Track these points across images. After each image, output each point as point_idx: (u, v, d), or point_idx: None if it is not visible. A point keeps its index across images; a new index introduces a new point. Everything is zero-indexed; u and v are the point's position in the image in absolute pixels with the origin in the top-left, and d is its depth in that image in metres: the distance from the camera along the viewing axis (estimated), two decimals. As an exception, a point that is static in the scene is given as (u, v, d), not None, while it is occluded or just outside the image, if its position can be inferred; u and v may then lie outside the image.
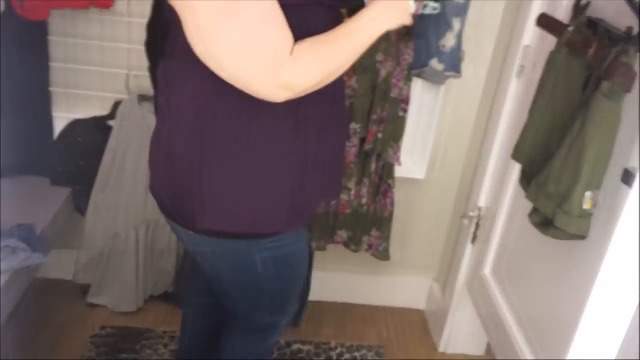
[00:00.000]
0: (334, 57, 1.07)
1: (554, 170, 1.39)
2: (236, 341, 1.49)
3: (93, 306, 2.23)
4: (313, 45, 1.04)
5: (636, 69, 1.22)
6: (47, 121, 2.05)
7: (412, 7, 1.16)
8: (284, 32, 1.01)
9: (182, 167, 1.15)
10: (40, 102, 2.01)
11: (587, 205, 1.33)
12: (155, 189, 1.27)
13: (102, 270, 2.17)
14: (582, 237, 1.38)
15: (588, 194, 1.31)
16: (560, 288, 1.54)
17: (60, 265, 2.29)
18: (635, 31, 1.23)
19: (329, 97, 1.20)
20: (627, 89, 1.22)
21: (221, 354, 1.52)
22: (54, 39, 1.95)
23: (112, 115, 2.04)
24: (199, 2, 0.96)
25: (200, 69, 1.07)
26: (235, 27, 0.97)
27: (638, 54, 1.21)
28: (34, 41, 1.92)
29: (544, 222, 1.47)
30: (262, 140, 1.13)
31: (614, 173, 1.31)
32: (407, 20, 1.16)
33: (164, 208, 1.28)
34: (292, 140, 1.15)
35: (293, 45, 1.02)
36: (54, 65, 2.00)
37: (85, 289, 2.24)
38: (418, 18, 1.79)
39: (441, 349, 2.30)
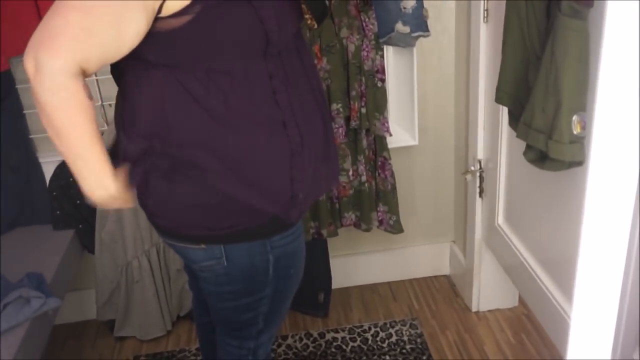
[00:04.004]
0: (58, 123, 1.00)
1: (537, 102, 1.36)
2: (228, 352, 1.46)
3: (122, 339, 2.24)
4: (76, 105, 0.99)
5: (594, -20, 1.19)
6: (36, 168, 2.05)
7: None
8: (86, 32, 0.97)
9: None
10: (24, 151, 2.01)
11: (577, 130, 1.30)
12: (154, 215, 1.24)
13: (122, 302, 2.18)
14: (580, 163, 1.35)
15: (575, 118, 1.28)
16: (570, 222, 1.51)
17: (81, 307, 2.31)
18: (585, -57, 1.20)
19: (305, 83, 1.19)
20: (589, 3, 1.18)
21: None
22: (22, 87, 1.95)
23: (97, 149, 2.04)
24: None
25: (148, 76, 1.08)
26: None
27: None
28: (4, 93, 1.92)
29: (540, 157, 1.45)
30: (241, 132, 1.11)
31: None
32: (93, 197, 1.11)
33: (165, 232, 1.27)
34: (277, 131, 1.14)
35: (85, 57, 0.98)
36: (29, 112, 2.00)
37: (110, 324, 2.25)
38: (374, -16, 1.78)
39: (474, 308, 2.28)
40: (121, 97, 1.17)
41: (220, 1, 1.02)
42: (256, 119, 1.12)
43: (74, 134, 1.02)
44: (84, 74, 1.00)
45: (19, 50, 1.79)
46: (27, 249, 1.95)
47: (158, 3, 0.99)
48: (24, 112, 1.98)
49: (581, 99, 1.26)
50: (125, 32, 1.00)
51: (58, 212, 2.08)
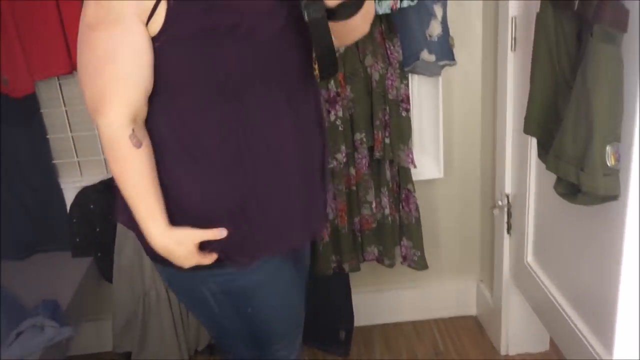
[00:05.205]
0: (125, 177, 1.09)
1: (568, 132, 1.30)
2: None
3: (138, 372, 2.19)
4: (138, 159, 1.06)
5: (627, 5, 1.14)
6: (57, 194, 2.05)
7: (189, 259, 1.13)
8: (121, 80, 1.02)
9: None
10: (46, 176, 2.02)
11: (610, 161, 1.24)
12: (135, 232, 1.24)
13: (139, 333, 2.13)
14: (614, 197, 1.27)
15: (608, 148, 1.22)
16: (605, 259, 1.43)
17: (97, 338, 2.27)
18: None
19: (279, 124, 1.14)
20: (622, 28, 1.13)
21: None
22: (46, 111, 1.96)
23: (118, 176, 2.03)
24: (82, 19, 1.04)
25: None
26: (86, 55, 1.04)
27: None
28: (28, 117, 1.94)
29: (571, 191, 1.38)
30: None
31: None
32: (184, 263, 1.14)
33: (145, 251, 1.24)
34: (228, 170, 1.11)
35: (135, 104, 1.04)
36: (52, 136, 2.00)
37: (127, 357, 2.20)
38: (398, 12, 1.76)
39: (502, 351, 2.18)
40: None
41: (179, 37, 1.02)
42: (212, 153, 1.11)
43: (121, 182, 1.10)
44: (137, 118, 1.05)
45: (45, 73, 1.82)
46: (45, 275, 1.94)
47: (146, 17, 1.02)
48: (48, 136, 1.99)
49: (615, 128, 1.20)
50: (143, 49, 1.03)
51: (77, 239, 2.06)
